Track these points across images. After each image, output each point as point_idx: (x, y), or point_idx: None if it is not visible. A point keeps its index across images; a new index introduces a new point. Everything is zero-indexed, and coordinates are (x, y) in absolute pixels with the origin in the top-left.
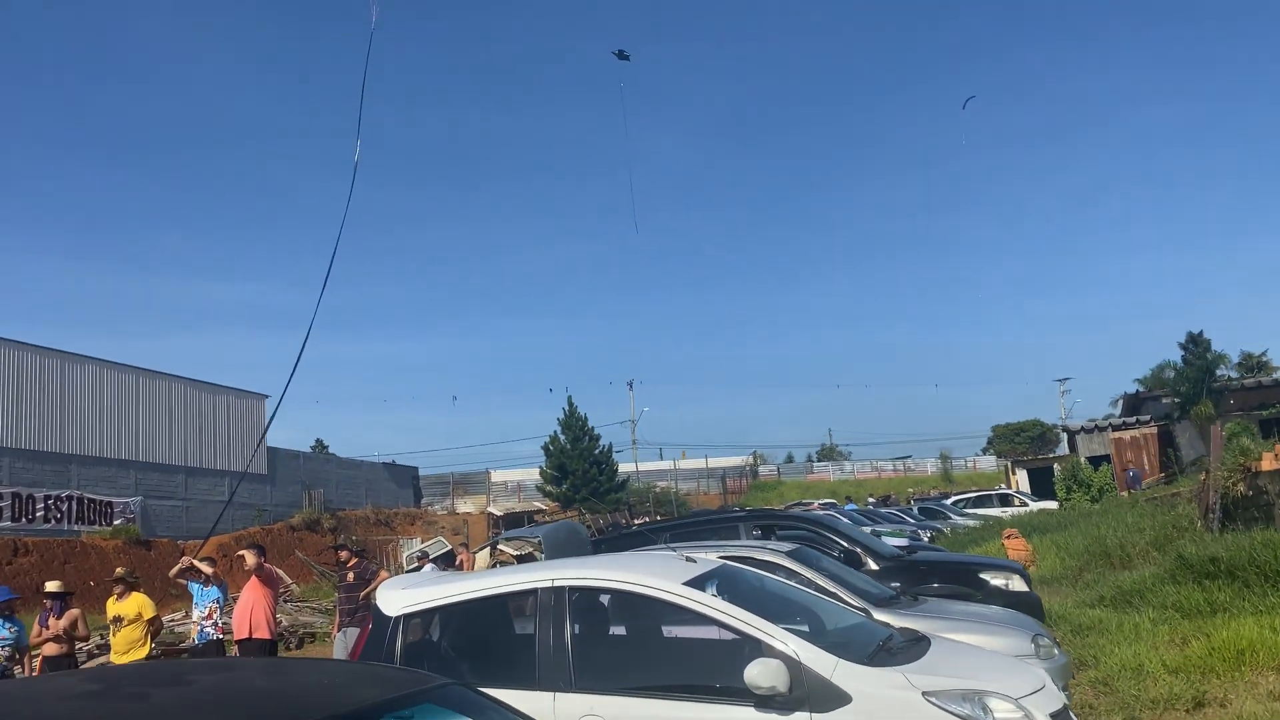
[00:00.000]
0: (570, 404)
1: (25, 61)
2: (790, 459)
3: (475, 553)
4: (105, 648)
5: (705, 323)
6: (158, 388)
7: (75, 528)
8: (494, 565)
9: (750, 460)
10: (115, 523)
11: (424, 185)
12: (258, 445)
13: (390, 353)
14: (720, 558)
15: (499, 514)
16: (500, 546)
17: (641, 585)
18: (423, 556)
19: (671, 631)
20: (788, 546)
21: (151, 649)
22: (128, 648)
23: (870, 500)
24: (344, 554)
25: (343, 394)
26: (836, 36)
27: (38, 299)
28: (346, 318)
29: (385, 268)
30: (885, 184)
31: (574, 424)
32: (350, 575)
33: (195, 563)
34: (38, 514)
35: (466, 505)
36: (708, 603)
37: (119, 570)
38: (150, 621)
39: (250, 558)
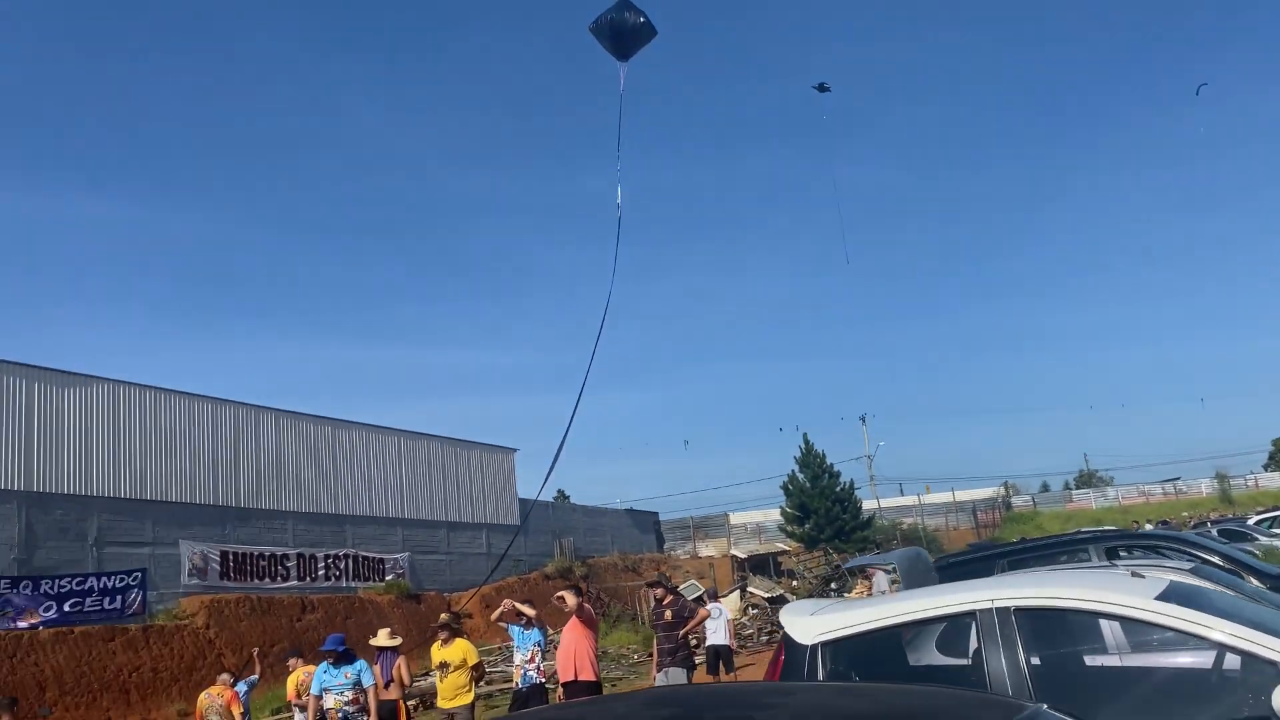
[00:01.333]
0: (806, 442)
1: (284, 161)
2: (1045, 488)
3: (724, 595)
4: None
5: (934, 351)
6: (416, 447)
7: (352, 584)
8: (745, 608)
9: (1001, 491)
10: (387, 578)
11: (645, 239)
12: (542, 484)
13: (620, 402)
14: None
15: (743, 556)
16: (750, 589)
17: (1109, 603)
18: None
19: (1147, 658)
20: (1187, 565)
21: (476, 694)
22: (454, 693)
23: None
24: (659, 591)
25: (578, 444)
26: (1047, 43)
27: (294, 373)
28: (575, 372)
29: (614, 320)
30: (1120, 186)
31: (812, 462)
32: (668, 614)
33: (517, 606)
34: (319, 573)
35: (708, 549)
36: (1207, 621)
37: (443, 616)
38: (474, 667)
39: (570, 599)
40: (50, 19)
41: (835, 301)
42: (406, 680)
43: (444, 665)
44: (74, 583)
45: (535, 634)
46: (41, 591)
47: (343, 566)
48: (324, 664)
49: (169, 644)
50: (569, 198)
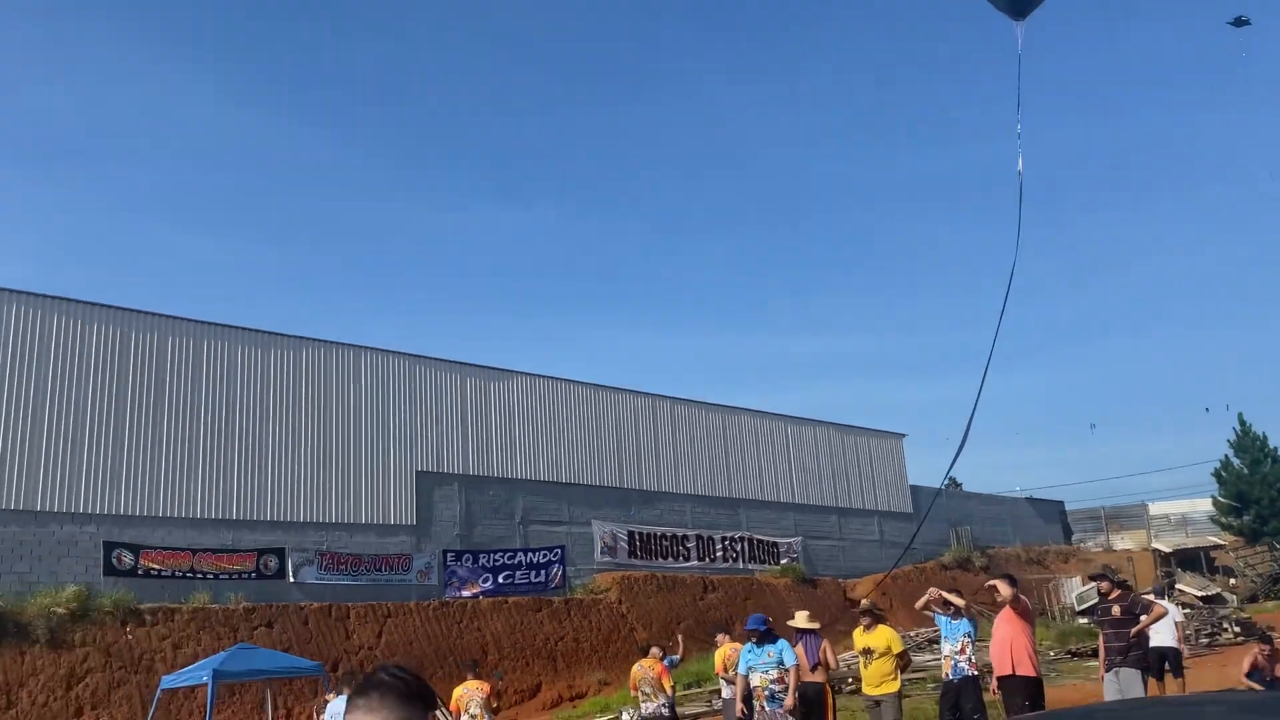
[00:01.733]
0: (1242, 422)
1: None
2: None
3: (1144, 594)
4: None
5: None
6: (804, 433)
7: (748, 566)
8: (1177, 607)
9: None
10: (781, 562)
11: (1039, 205)
12: (949, 469)
13: (1014, 384)
14: None
15: (1166, 550)
16: (1179, 586)
17: None
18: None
19: None
20: None
21: (902, 684)
22: (880, 680)
23: None
24: (1104, 585)
25: (973, 430)
26: None
27: (674, 361)
28: (963, 354)
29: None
30: None
31: (1250, 445)
32: (1116, 609)
33: (944, 594)
34: (717, 553)
35: (1124, 541)
36: None
37: (864, 602)
38: (899, 655)
39: (1004, 589)
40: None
41: (1270, 265)
42: (833, 663)
43: (868, 651)
44: (505, 557)
45: (964, 624)
46: (479, 564)
47: (739, 549)
48: (749, 643)
49: (587, 616)
50: (949, 171)
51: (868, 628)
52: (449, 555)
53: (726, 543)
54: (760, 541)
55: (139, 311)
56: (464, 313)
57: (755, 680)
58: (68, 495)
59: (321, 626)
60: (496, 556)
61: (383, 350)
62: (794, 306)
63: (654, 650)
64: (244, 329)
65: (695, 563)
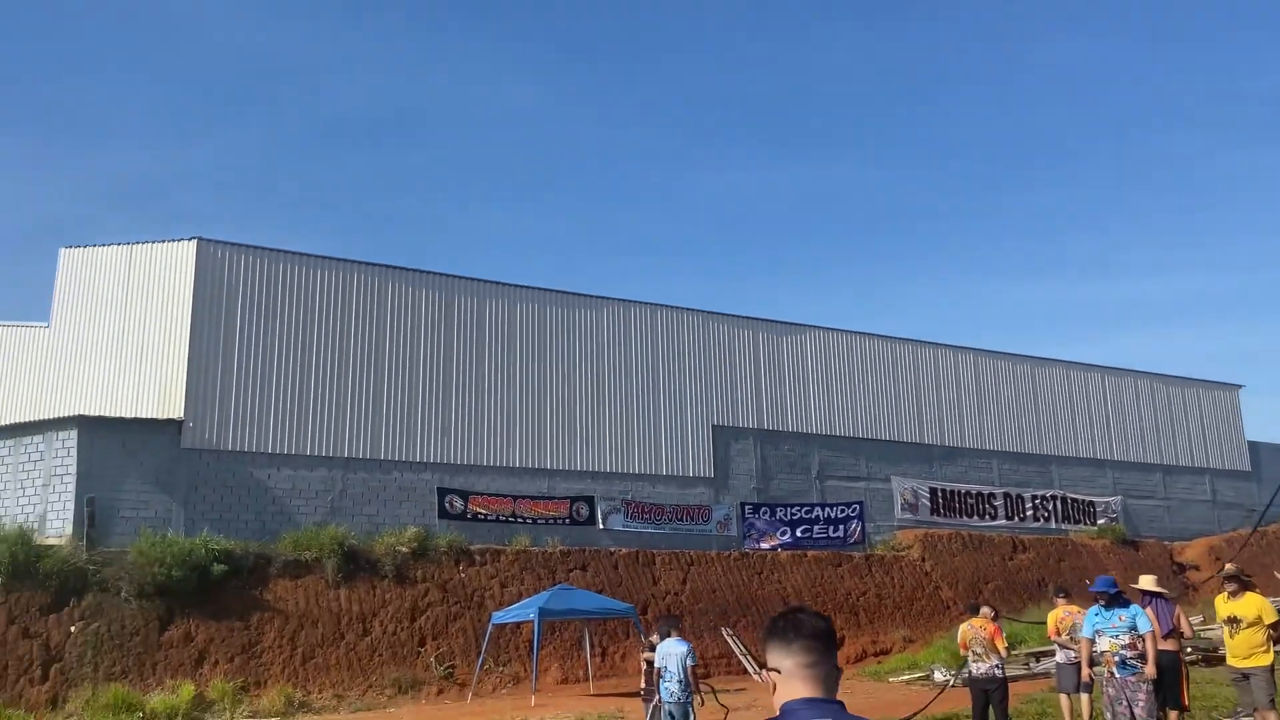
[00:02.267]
0: None
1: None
2: None
3: None
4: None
5: None
6: (1123, 385)
7: (1061, 526)
8: None
9: None
10: (1099, 522)
11: None
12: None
13: None
14: None
15: None
16: None
17: None
18: None
19: None
20: None
21: (1276, 655)
22: (1249, 652)
23: None
24: None
25: None
26: None
27: (954, 309)
28: None
29: None
30: None
31: None
32: None
33: None
34: (1026, 513)
35: None
36: None
37: (1229, 567)
38: (1273, 625)
39: None
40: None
41: None
42: (1188, 632)
43: (1234, 620)
44: (803, 511)
45: None
46: (777, 518)
47: (1050, 508)
48: (1095, 607)
49: (889, 573)
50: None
51: (1233, 595)
52: (746, 508)
53: (1037, 501)
54: (1074, 500)
55: (462, 278)
56: (755, 270)
57: (1103, 645)
58: (406, 445)
59: (630, 571)
60: (794, 510)
61: (678, 307)
62: (1105, 248)
63: (984, 610)
64: (555, 291)
65: (1003, 521)
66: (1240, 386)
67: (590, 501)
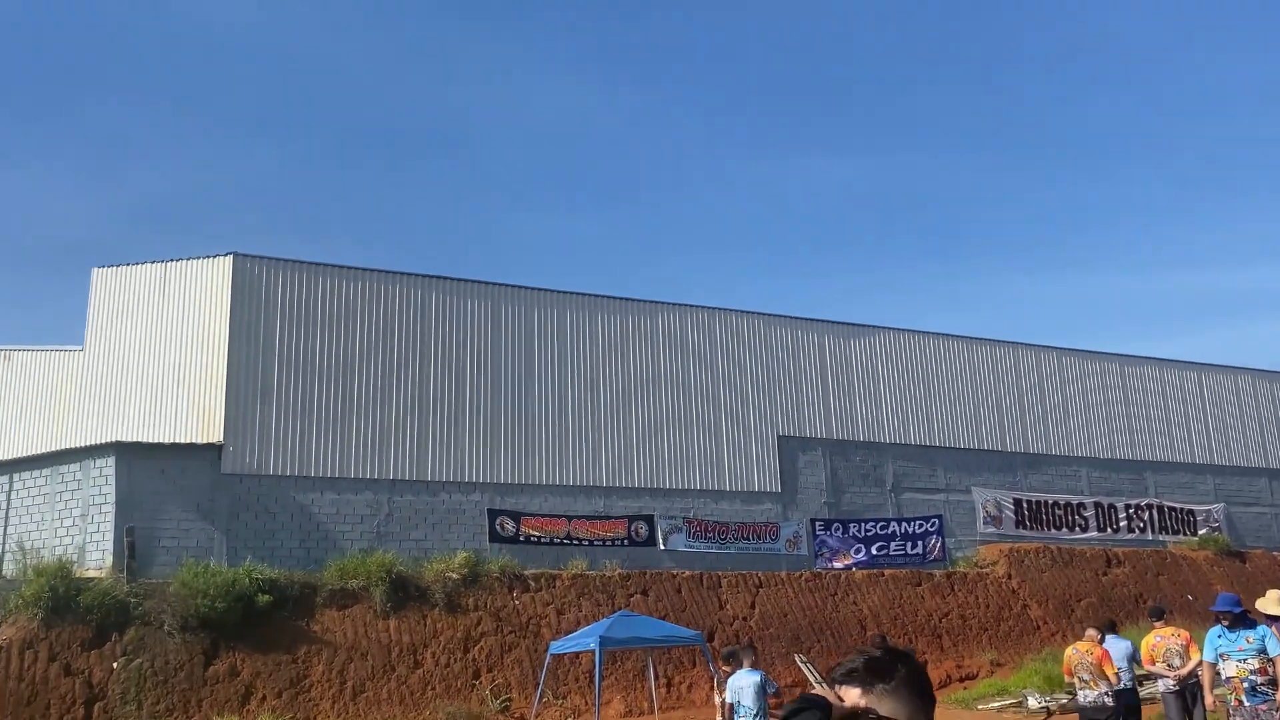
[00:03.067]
0: None
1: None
2: None
3: None
4: None
5: None
6: (1222, 383)
7: (1159, 537)
8: None
9: None
10: (1200, 532)
11: None
12: None
13: None
14: None
15: None
16: None
17: None
18: None
19: None
20: None
21: None
22: None
23: None
24: None
25: None
26: None
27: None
28: None
29: None
30: None
31: None
32: None
33: None
34: (1120, 523)
35: None
36: None
37: None
38: None
39: None
40: None
41: None
42: None
43: None
44: (878, 527)
45: None
46: (850, 534)
47: (1146, 517)
48: (1217, 627)
49: (972, 591)
50: None
51: None
52: (817, 524)
53: (1131, 511)
54: (1172, 509)
55: (509, 286)
56: (817, 270)
57: (1230, 670)
58: (453, 465)
59: (694, 595)
60: (868, 526)
61: (736, 310)
62: (1175, 237)
63: (1090, 632)
64: (607, 297)
65: (1094, 533)
66: None
67: (650, 520)
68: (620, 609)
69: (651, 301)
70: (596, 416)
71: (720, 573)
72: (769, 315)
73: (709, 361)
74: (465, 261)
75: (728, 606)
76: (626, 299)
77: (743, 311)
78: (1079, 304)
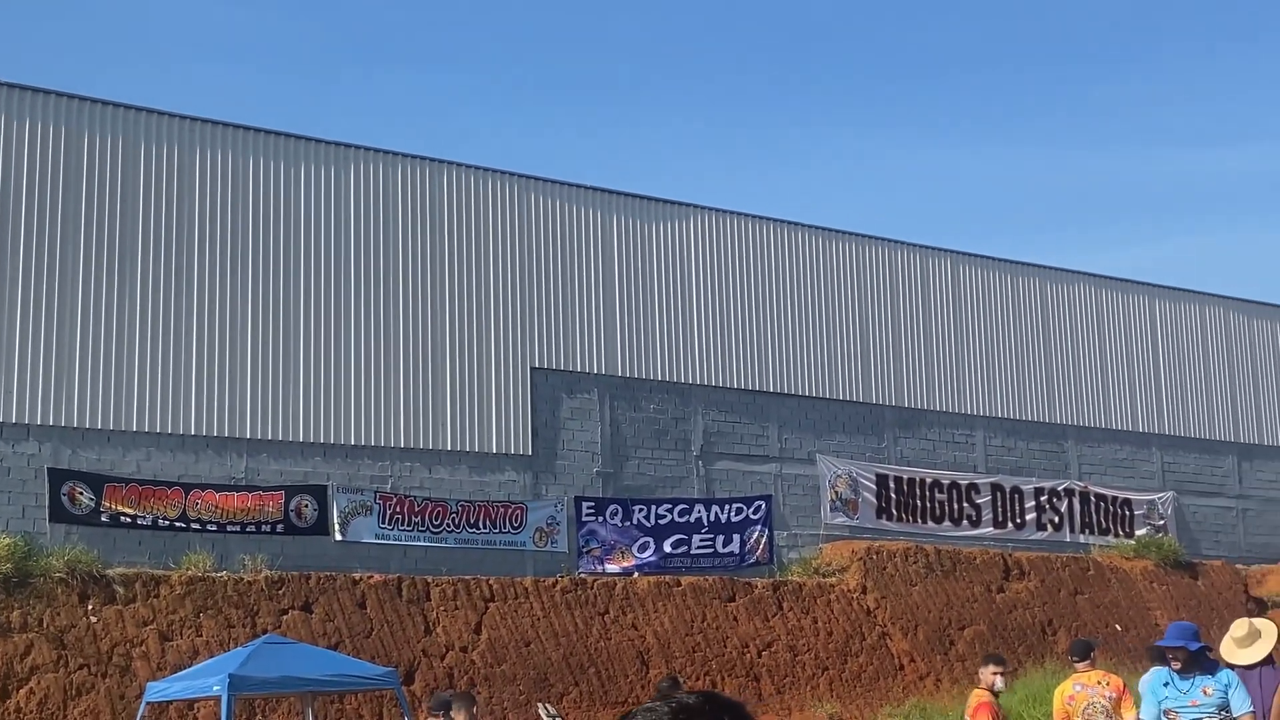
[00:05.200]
0: None
1: None
2: None
3: None
4: None
5: None
6: (1179, 314)
7: (1080, 539)
8: None
9: None
10: (1138, 532)
11: None
12: None
13: None
14: None
15: None
16: None
17: None
18: None
19: None
20: None
21: None
22: None
23: None
24: None
25: None
26: None
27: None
28: None
29: None
30: None
31: None
32: None
33: None
34: (1026, 516)
35: None
36: None
37: None
38: None
39: None
40: None
41: None
42: None
43: None
44: (676, 511)
45: None
46: (634, 522)
47: (1064, 508)
48: (1163, 671)
49: (809, 611)
50: None
51: None
52: (585, 505)
53: (1045, 498)
54: (1101, 498)
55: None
56: (601, 111)
57: None
58: None
59: (388, 611)
60: (662, 510)
61: (461, 165)
62: (1145, 103)
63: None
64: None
65: (990, 529)
66: None
67: (320, 494)
68: (266, 632)
69: (315, 140)
70: (234, 326)
71: (430, 577)
72: (518, 176)
73: (413, 241)
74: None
75: (440, 629)
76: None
77: (474, 168)
78: (986, 189)
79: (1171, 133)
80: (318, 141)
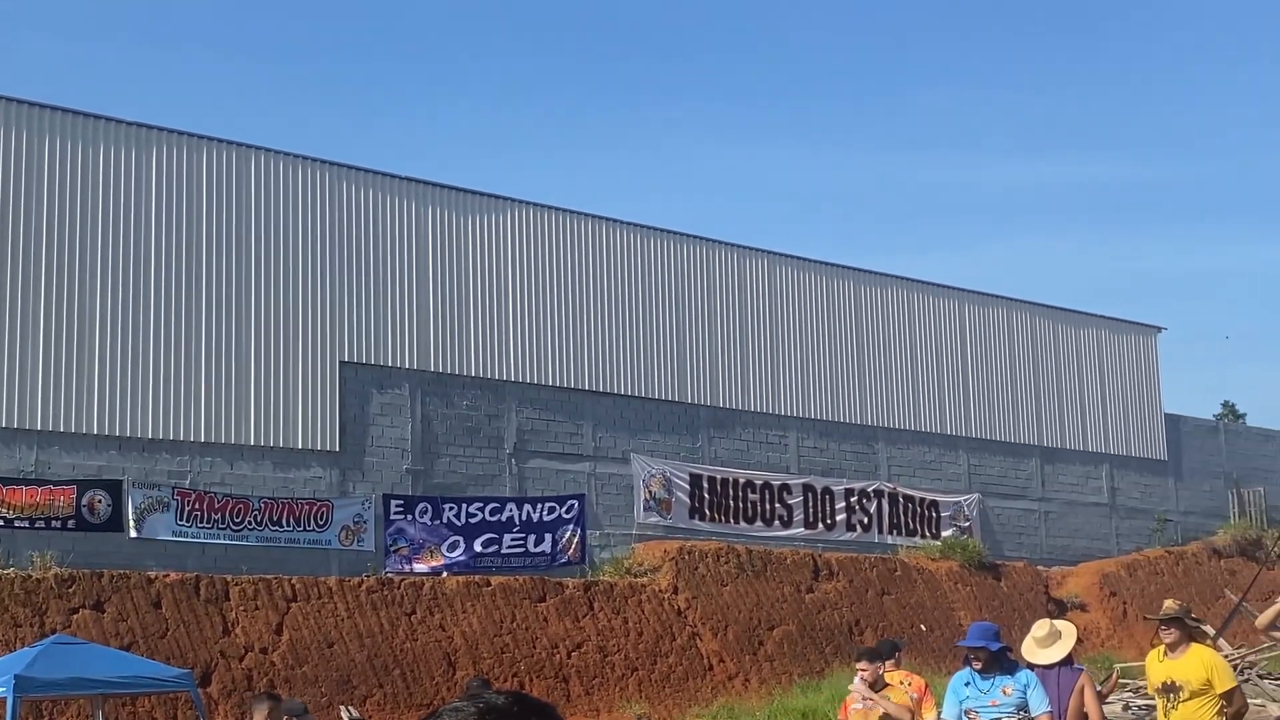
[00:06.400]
0: None
1: None
2: None
3: None
4: None
5: None
6: (988, 319)
7: (888, 539)
8: None
9: None
10: (944, 533)
11: None
12: None
13: None
14: None
15: None
16: None
17: None
18: None
19: None
20: None
21: None
22: None
23: None
24: None
25: (1251, 327)
26: None
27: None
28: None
29: None
30: None
31: None
32: None
33: None
34: (837, 516)
35: None
36: None
37: (1168, 605)
38: (1225, 696)
39: None
40: None
41: None
42: (1095, 716)
43: (1171, 688)
44: (488, 510)
45: None
46: (445, 521)
47: (873, 509)
48: (965, 671)
49: (620, 612)
50: None
51: (1171, 649)
52: (394, 504)
53: (855, 499)
54: (910, 499)
55: None
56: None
57: None
58: None
59: (185, 611)
60: (473, 509)
61: (270, 151)
62: (960, 110)
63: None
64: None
65: (801, 530)
66: (1160, 330)
67: (114, 489)
68: (55, 631)
69: (113, 120)
70: (24, 311)
71: (230, 576)
72: (329, 164)
73: (217, 228)
74: None
75: (239, 630)
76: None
77: (282, 154)
78: (805, 191)
79: (987, 141)
80: (116, 121)
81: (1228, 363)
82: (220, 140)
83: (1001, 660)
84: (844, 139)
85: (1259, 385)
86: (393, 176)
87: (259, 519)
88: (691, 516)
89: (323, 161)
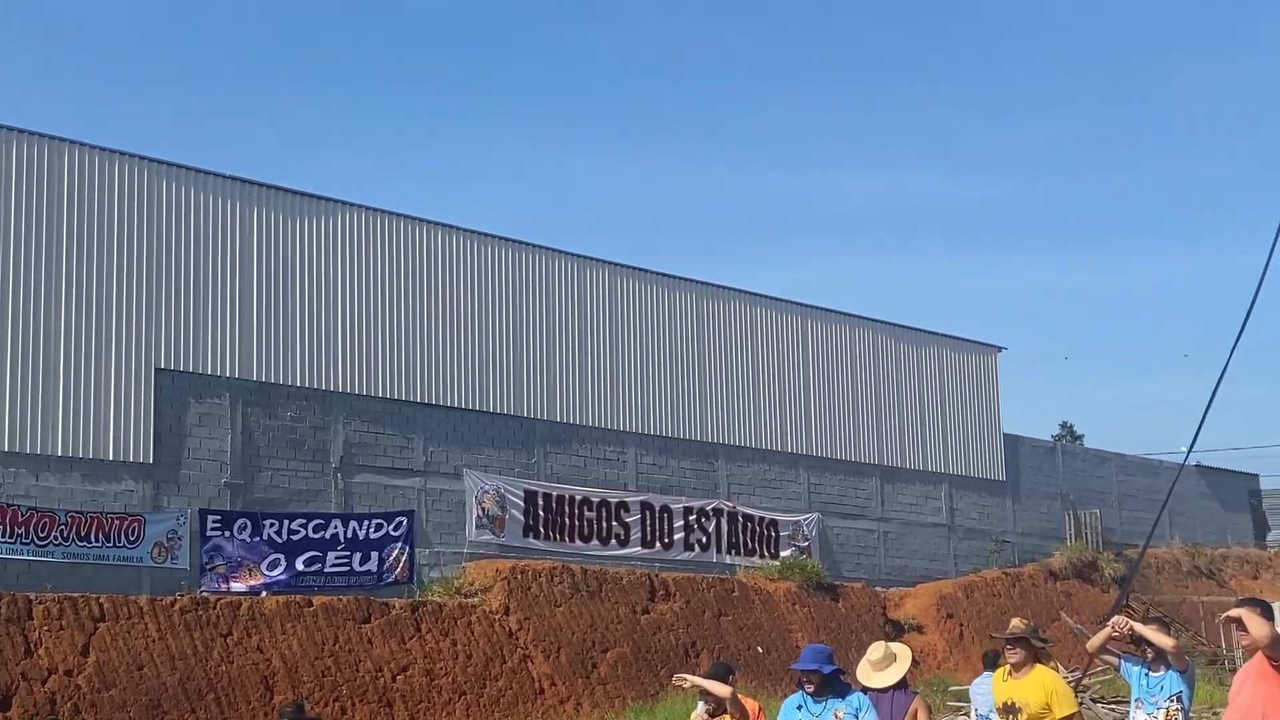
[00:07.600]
0: None
1: None
2: None
3: None
4: None
5: None
6: (829, 335)
7: (727, 559)
8: None
9: None
10: (783, 553)
11: None
12: (1193, 440)
13: (1193, 267)
14: None
15: None
16: None
17: None
18: None
19: None
20: None
21: None
22: None
23: None
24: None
25: (1091, 348)
26: None
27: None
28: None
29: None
30: None
31: None
32: None
33: (1141, 629)
34: (674, 536)
35: None
36: None
37: (1015, 624)
38: None
39: (1254, 624)
40: None
41: None
42: None
43: (1011, 709)
44: (311, 527)
45: (1172, 679)
46: (265, 537)
47: (712, 528)
48: (798, 695)
49: (449, 633)
50: None
51: (1016, 669)
52: (211, 519)
53: (694, 518)
54: (749, 518)
55: None
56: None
57: None
58: None
59: None
60: (295, 526)
61: (74, 143)
62: (812, 118)
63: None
64: None
65: (638, 549)
66: (1000, 349)
67: None
68: None
69: None
70: None
71: (34, 594)
72: (148, 160)
73: (25, 225)
74: None
75: (42, 651)
76: None
77: (97, 148)
78: (646, 203)
79: (830, 157)
80: None
81: (1067, 383)
82: (28, 132)
83: (834, 683)
84: (687, 153)
85: (1097, 406)
86: (216, 175)
87: (65, 534)
88: (526, 535)
89: (141, 157)
